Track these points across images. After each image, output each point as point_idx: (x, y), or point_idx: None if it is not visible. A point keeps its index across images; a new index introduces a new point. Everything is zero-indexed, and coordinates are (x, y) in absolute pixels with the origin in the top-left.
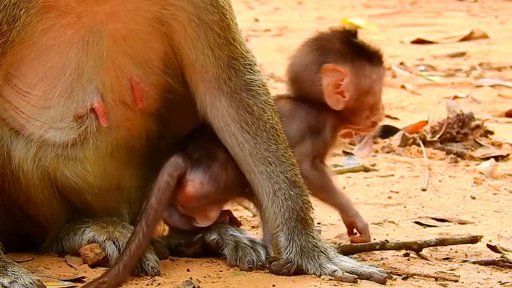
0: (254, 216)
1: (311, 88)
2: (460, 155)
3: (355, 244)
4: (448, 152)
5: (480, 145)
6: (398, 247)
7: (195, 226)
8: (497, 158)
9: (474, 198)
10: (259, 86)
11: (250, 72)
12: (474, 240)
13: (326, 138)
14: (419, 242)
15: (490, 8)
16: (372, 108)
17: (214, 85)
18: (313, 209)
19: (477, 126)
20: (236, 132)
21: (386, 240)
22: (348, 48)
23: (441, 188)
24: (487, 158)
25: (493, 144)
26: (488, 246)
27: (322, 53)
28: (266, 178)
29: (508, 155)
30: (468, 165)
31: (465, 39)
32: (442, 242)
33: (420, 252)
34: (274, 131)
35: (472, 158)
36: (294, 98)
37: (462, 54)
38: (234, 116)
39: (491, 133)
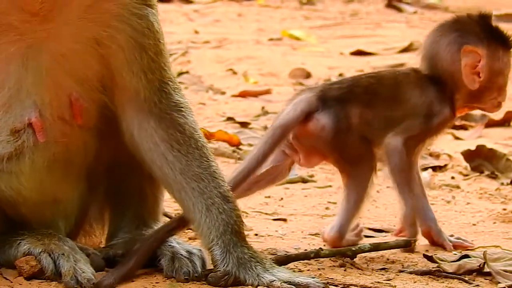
0: (189, 228)
1: (448, 67)
2: None
3: (289, 254)
4: None
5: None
6: (332, 254)
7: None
8: (434, 168)
9: None
10: (187, 108)
11: (178, 95)
12: (407, 244)
13: (433, 125)
14: (353, 248)
15: (429, 20)
16: (500, 89)
17: (143, 108)
18: (245, 224)
19: None
20: (166, 151)
21: (320, 248)
22: (485, 31)
23: (379, 199)
24: (425, 169)
25: (431, 154)
26: (425, 256)
27: (462, 35)
28: (198, 194)
29: (445, 165)
30: None
31: (405, 50)
32: (376, 248)
33: (355, 261)
34: (206, 149)
35: None
36: (426, 74)
37: (401, 65)
38: (164, 136)
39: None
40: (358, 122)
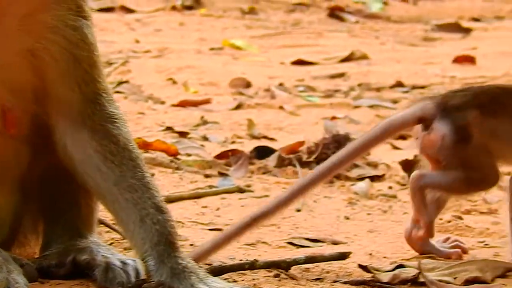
0: (124, 238)
1: None
2: (336, 176)
3: (224, 264)
4: None
5: (356, 166)
6: (267, 266)
7: None
8: (372, 178)
9: (348, 218)
10: (121, 119)
11: (112, 106)
12: (342, 256)
13: None
14: (288, 260)
15: (371, 29)
16: None
17: (77, 119)
18: (180, 235)
19: None
20: (99, 163)
21: (255, 259)
22: None
23: (316, 209)
24: (362, 179)
25: (369, 164)
26: (360, 266)
27: None
28: (132, 205)
29: (383, 175)
30: (343, 186)
31: (346, 59)
32: (311, 260)
33: (290, 271)
34: (139, 160)
35: (347, 178)
36: None
37: (341, 75)
38: (97, 148)
39: (367, 153)
40: (479, 131)
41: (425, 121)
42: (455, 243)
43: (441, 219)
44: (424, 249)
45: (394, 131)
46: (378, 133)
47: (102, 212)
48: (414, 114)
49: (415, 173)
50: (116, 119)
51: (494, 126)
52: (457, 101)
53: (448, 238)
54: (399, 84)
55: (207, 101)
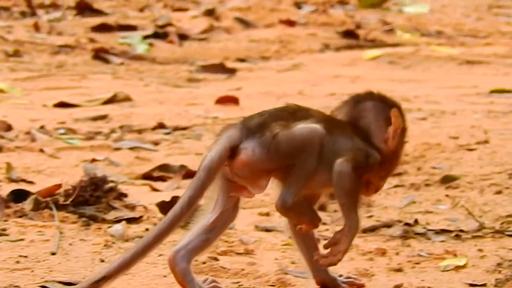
0: None
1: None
2: (93, 218)
3: None
4: (81, 216)
5: (113, 208)
6: None
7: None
8: (129, 220)
9: (103, 261)
10: None
11: None
12: None
13: (369, 165)
14: None
15: (135, 71)
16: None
17: None
18: None
19: (111, 189)
20: None
21: None
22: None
23: (71, 252)
24: (119, 221)
25: (126, 206)
26: None
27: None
28: None
29: (141, 217)
30: (100, 228)
31: (108, 101)
32: None
33: None
34: None
35: (104, 221)
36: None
37: (103, 117)
38: None
39: (125, 195)
40: (285, 138)
41: (234, 149)
42: (213, 284)
43: (196, 260)
44: (185, 280)
45: (215, 173)
46: (204, 179)
47: None
48: (225, 147)
49: (170, 255)
50: None
51: None
52: (258, 120)
53: (206, 279)
54: (161, 126)
55: None
